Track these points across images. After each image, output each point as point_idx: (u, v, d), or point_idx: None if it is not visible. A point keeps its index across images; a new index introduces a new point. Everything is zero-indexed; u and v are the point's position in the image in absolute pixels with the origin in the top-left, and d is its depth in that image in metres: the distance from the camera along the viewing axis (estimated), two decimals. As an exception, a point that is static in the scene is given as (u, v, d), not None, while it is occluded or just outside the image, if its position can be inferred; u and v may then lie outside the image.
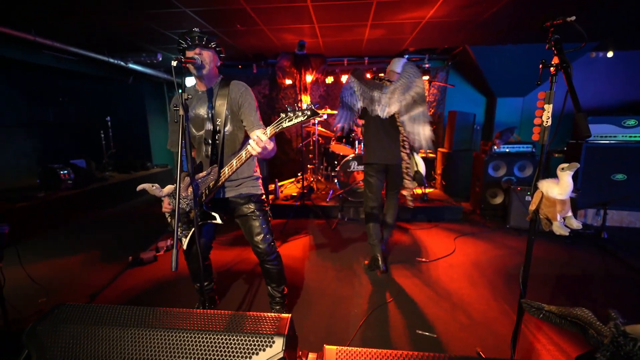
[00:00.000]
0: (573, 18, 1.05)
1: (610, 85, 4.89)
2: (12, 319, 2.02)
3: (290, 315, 0.95)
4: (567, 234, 1.12)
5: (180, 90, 1.35)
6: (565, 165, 1.12)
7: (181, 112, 1.36)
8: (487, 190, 3.98)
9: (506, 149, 3.88)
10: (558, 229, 1.12)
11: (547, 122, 1.14)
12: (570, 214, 1.14)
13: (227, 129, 1.66)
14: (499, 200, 3.94)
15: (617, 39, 4.20)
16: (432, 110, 5.58)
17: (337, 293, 2.36)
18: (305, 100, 3.85)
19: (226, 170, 1.55)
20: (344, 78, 5.28)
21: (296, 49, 3.63)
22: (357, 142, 4.26)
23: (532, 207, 1.19)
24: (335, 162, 4.86)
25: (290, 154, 5.90)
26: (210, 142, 1.65)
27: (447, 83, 5.27)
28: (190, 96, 1.36)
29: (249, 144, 1.37)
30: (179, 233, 1.65)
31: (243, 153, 1.46)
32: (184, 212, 1.55)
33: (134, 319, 0.94)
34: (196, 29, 1.56)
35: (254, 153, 1.38)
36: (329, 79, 5.36)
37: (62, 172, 4.42)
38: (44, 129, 5.35)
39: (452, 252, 3.06)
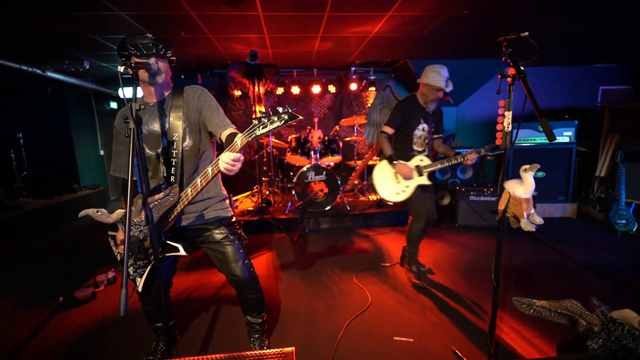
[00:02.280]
0: (526, 33, 1.16)
1: (522, 96, 5.68)
2: None
3: (294, 348, 0.85)
4: (534, 229, 1.23)
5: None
6: (527, 166, 1.23)
7: (132, 125, 1.17)
8: (436, 192, 4.27)
9: (449, 153, 4.22)
10: (526, 225, 1.22)
11: (508, 127, 1.24)
12: (533, 210, 1.24)
13: (185, 144, 1.47)
14: (446, 201, 4.25)
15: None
16: (380, 120, 5.85)
17: (309, 309, 2.27)
18: (259, 111, 3.73)
19: (189, 192, 1.36)
20: (295, 89, 5.29)
21: (248, 58, 3.52)
22: (312, 152, 4.26)
23: (501, 206, 1.28)
24: (291, 173, 4.80)
25: (243, 167, 5.64)
26: (167, 161, 1.46)
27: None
28: (143, 107, 1.18)
29: (220, 163, 1.20)
30: (131, 272, 1.43)
31: (209, 169, 1.29)
32: (139, 242, 1.33)
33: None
34: (148, 35, 1.38)
35: (230, 174, 1.23)
36: (279, 90, 5.31)
37: (-42, 202, 3.62)
38: None
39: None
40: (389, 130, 2.53)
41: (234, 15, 2.95)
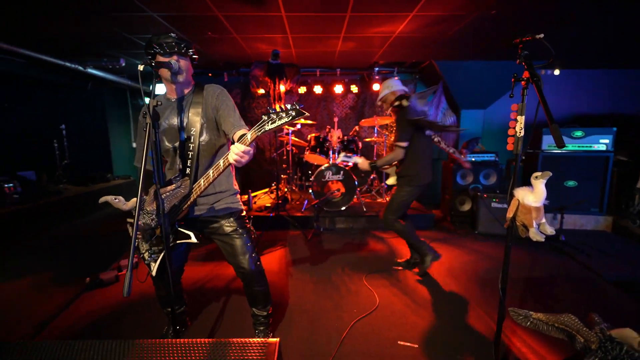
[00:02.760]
0: (542, 35, 1.11)
1: (559, 100, 5.36)
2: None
3: (278, 339, 0.88)
4: (543, 239, 1.17)
5: (146, 97, 1.25)
6: (538, 173, 1.17)
7: (148, 120, 1.26)
8: (456, 197, 4.15)
9: (472, 158, 4.08)
10: (534, 235, 1.17)
11: (520, 132, 1.19)
12: (544, 220, 1.19)
13: (202, 138, 1.55)
14: (467, 207, 4.11)
15: (563, 58, 4.63)
16: (402, 121, 5.76)
17: (316, 307, 2.29)
18: (280, 109, 3.80)
19: (202, 182, 1.43)
20: (317, 88, 5.32)
21: (270, 58, 3.60)
22: (331, 152, 4.27)
23: (510, 214, 1.23)
24: (310, 172, 4.83)
25: (263, 165, 5.78)
26: (184, 154, 1.54)
27: (415, 95, 5.48)
28: (160, 103, 1.26)
29: (230, 154, 1.27)
30: (147, 257, 1.52)
31: (221, 162, 1.36)
32: (151, 229, 1.41)
33: (96, 355, 0.81)
34: (172, 34, 1.46)
35: (239, 165, 1.29)
36: (302, 89, 5.36)
37: (6, 186, 3.98)
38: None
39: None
40: None
41: (258, 16, 3.03)
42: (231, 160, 1.28)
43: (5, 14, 2.90)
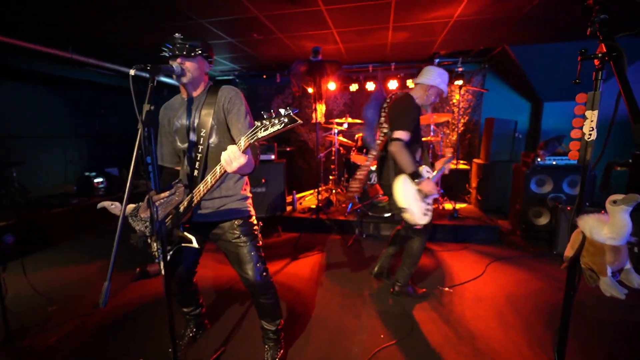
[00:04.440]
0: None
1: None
2: (16, 329, 2.04)
3: None
4: (623, 297, 0.78)
5: (146, 103, 1.23)
6: (618, 197, 0.79)
7: (139, 125, 1.25)
8: (530, 208, 3.45)
9: (552, 161, 3.34)
10: (608, 287, 0.79)
11: (589, 135, 0.82)
12: (629, 265, 0.80)
13: (212, 140, 1.49)
14: (544, 220, 3.40)
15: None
16: (467, 117, 5.10)
17: (340, 325, 2.09)
18: (320, 109, 3.66)
19: (201, 188, 1.38)
20: (369, 85, 5.03)
21: (311, 55, 3.48)
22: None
23: (569, 252, 0.86)
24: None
25: (313, 164, 5.73)
26: (193, 155, 1.51)
27: (481, 88, 4.79)
28: (152, 107, 1.24)
29: (222, 155, 1.20)
30: (157, 255, 1.52)
31: (217, 168, 1.29)
32: (144, 237, 1.40)
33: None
34: (177, 35, 1.44)
35: (228, 169, 1.22)
36: (353, 87, 5.13)
37: (95, 180, 4.68)
38: (90, 139, 5.82)
39: (481, 274, 2.67)
40: (406, 136, 2.03)
41: (297, 13, 2.92)
42: (222, 162, 1.20)
43: (90, 34, 3.35)
